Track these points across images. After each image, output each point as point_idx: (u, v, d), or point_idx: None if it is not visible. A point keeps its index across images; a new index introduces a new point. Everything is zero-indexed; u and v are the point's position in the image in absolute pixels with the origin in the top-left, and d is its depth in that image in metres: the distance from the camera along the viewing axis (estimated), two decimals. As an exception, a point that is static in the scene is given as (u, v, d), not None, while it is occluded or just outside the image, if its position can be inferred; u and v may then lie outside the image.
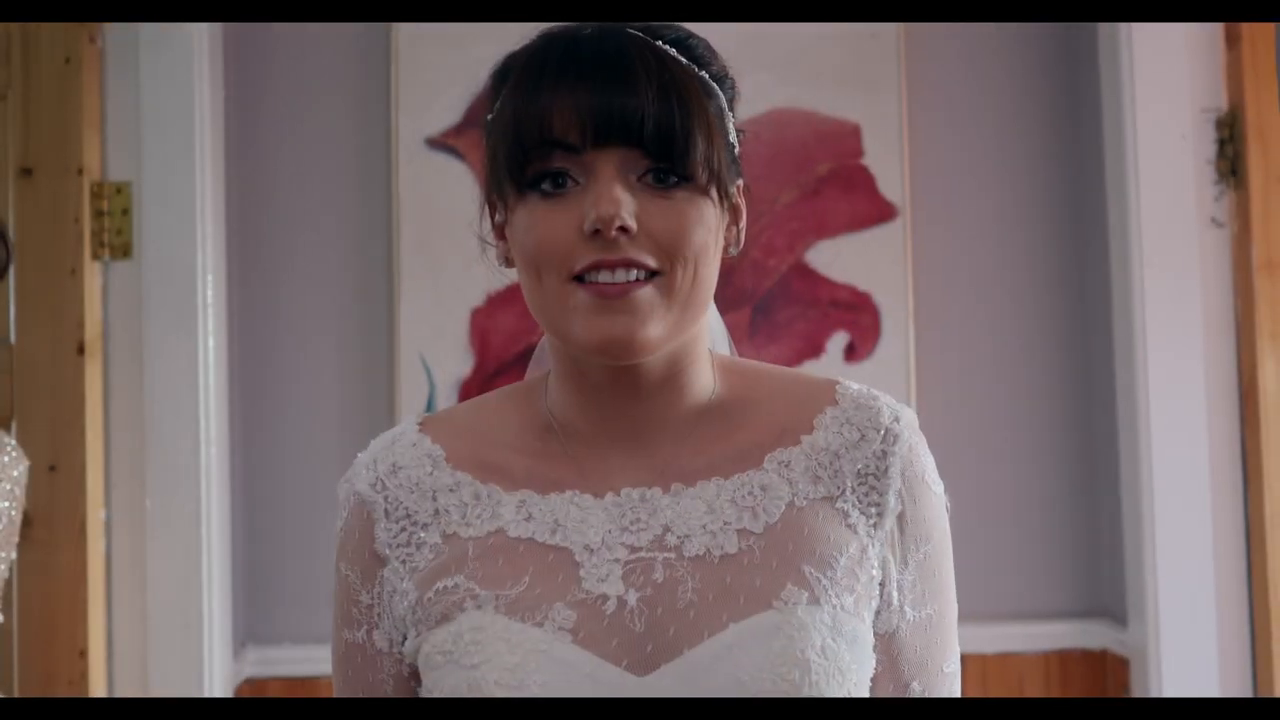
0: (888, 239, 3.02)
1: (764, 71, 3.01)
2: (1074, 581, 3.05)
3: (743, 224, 1.33)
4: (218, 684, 2.80)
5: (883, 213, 3.03)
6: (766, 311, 3.01)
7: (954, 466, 2.97)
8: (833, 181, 3.03)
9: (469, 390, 2.95)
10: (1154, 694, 2.83)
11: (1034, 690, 2.99)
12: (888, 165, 3.03)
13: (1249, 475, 2.88)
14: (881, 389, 1.39)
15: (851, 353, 3.01)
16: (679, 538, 1.26)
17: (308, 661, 2.95)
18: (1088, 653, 3.02)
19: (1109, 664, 3.00)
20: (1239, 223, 2.88)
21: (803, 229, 3.02)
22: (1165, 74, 2.89)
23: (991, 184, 3.08)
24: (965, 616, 3.01)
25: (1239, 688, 2.83)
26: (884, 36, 3.03)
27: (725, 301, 2.93)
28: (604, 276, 1.21)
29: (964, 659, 3.03)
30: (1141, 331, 2.87)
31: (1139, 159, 2.88)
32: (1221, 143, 2.89)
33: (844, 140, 3.03)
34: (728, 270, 3.04)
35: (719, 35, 3.00)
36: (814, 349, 3.01)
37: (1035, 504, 3.05)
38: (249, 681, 2.97)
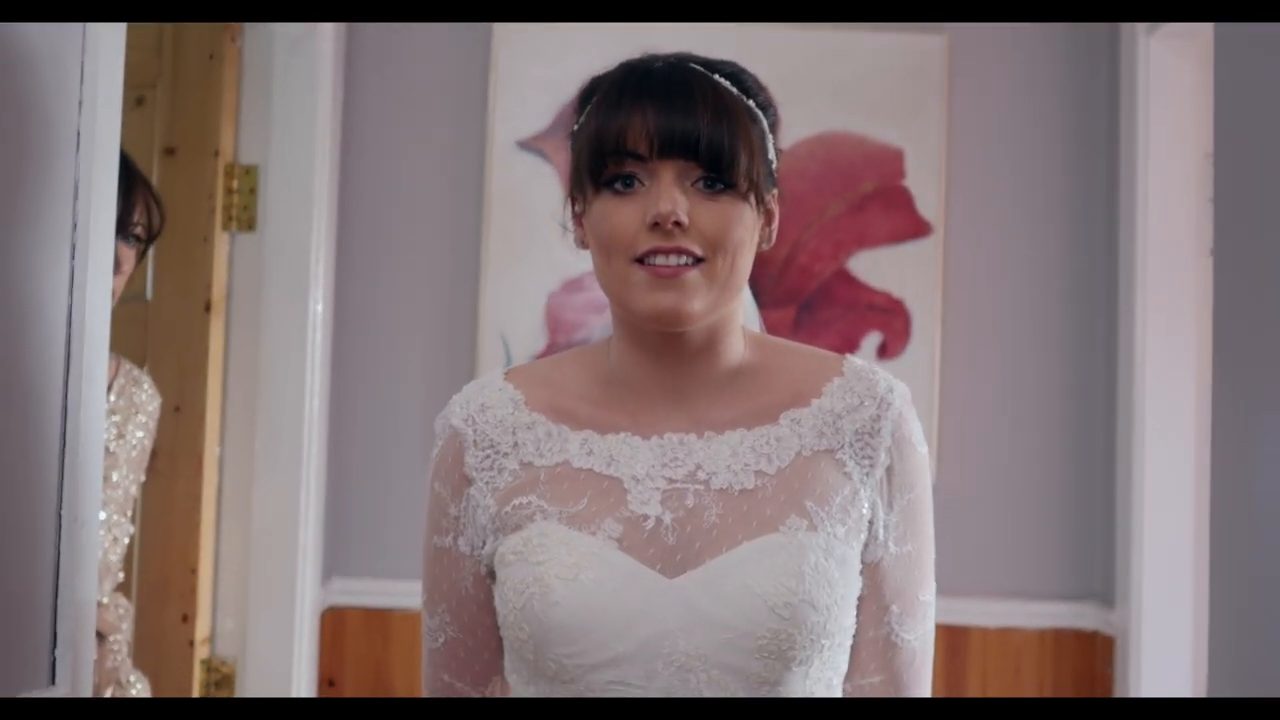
0: (922, 253, 3.30)
1: (820, 99, 3.31)
2: (1071, 567, 3.29)
3: (775, 225, 1.60)
4: (307, 608, 3.11)
5: (919, 229, 3.31)
6: (810, 310, 3.29)
7: (969, 460, 3.28)
8: (876, 199, 3.31)
9: (541, 366, 3.21)
10: (1134, 671, 3.08)
11: (1030, 663, 3.24)
12: (926, 187, 3.31)
13: (1229, 480, 3.10)
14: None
15: (883, 351, 3.28)
16: (708, 474, 1.53)
17: (383, 594, 3.24)
18: (1080, 632, 3.27)
19: (1098, 642, 3.25)
20: (1235, 255, 3.12)
21: (846, 239, 3.31)
22: (1175, 120, 3.13)
23: (1017, 210, 3.34)
24: (972, 592, 3.25)
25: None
26: (929, 71, 3.31)
27: (774, 299, 3.25)
28: (660, 260, 1.47)
29: (967, 632, 3.30)
30: (1142, 348, 3.11)
31: (1149, 194, 3.12)
32: (1224, 183, 3.13)
33: (888, 163, 3.32)
34: (779, 272, 3.33)
35: (781, 67, 3.31)
36: (850, 346, 3.27)
37: (1039, 496, 3.30)
38: (331, 610, 3.27)
